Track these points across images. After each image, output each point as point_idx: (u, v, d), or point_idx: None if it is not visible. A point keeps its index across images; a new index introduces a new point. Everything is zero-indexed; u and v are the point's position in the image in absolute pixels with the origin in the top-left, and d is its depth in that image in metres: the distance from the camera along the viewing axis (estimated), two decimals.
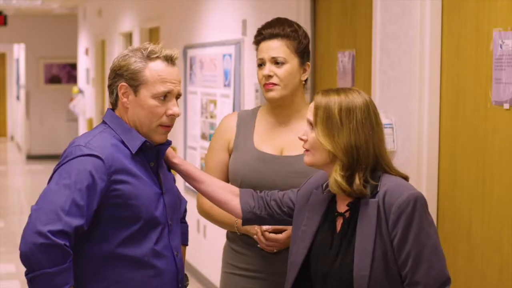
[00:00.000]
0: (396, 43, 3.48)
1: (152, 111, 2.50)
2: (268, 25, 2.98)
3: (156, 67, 2.50)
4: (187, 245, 2.87)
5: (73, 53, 15.00)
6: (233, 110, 5.57)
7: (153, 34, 8.49)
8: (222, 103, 5.84)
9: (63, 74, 16.25)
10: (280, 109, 2.98)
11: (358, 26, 4.00)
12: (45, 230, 2.30)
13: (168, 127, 2.55)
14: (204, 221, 6.46)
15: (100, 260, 2.47)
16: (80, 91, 13.57)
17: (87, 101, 12.96)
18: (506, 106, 2.83)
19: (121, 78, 2.52)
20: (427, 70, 3.24)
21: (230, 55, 5.66)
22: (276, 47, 2.92)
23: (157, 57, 2.51)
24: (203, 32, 6.43)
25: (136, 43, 8.77)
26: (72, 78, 15.96)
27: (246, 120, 3.04)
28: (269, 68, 2.90)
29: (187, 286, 2.74)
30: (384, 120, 3.50)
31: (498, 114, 2.89)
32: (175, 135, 7.25)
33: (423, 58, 3.26)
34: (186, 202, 2.91)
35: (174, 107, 2.52)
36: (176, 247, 2.60)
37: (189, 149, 6.72)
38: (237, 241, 3.02)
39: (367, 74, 3.84)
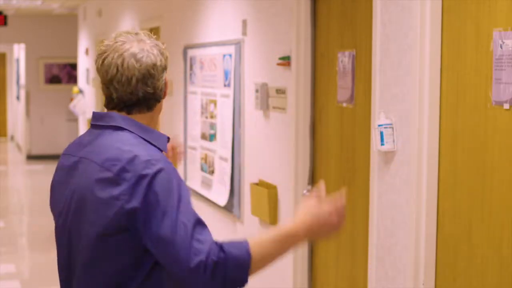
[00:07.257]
0: (396, 43, 3.47)
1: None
2: None
3: None
4: None
5: (73, 53, 15.01)
6: (233, 110, 5.58)
7: (153, 34, 8.49)
8: (222, 103, 5.84)
9: (63, 74, 16.25)
10: None
11: (358, 26, 4.00)
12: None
13: None
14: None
15: None
16: (80, 91, 13.58)
17: (87, 101, 12.97)
18: (506, 106, 2.83)
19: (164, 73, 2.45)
20: (427, 70, 3.24)
21: (230, 55, 5.66)
22: None
23: None
24: (203, 32, 6.42)
25: None
26: (72, 78, 15.98)
27: None
28: None
29: None
30: (384, 120, 3.50)
31: (498, 114, 2.89)
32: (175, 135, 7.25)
33: (423, 58, 3.26)
34: None
35: None
36: None
37: (189, 149, 6.71)
38: None
39: (367, 74, 3.84)
